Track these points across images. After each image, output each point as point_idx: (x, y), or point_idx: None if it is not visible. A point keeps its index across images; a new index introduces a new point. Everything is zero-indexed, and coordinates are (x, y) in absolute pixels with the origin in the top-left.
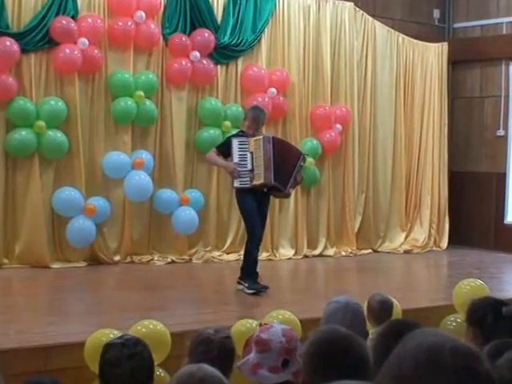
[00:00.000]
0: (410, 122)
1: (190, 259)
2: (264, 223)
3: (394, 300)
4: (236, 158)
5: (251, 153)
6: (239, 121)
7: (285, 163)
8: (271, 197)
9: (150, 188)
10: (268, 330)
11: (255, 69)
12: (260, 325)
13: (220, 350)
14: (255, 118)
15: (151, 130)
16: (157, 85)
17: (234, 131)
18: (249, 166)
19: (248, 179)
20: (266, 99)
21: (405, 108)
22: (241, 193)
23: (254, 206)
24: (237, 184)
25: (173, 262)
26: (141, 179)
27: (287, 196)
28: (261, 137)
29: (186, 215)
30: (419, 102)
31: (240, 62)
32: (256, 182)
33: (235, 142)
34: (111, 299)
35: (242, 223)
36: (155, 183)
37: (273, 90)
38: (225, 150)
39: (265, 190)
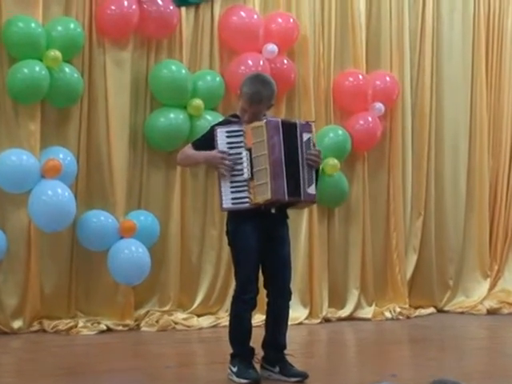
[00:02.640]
0: (497, 102)
1: (138, 326)
2: (287, 270)
3: None
4: None
5: (249, 150)
6: (217, 98)
7: (290, 156)
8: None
9: (71, 209)
10: None
11: (243, 13)
12: None
13: None
14: (254, 97)
15: (73, 114)
16: (82, 40)
17: (210, 116)
18: (245, 174)
19: (246, 195)
20: (261, 63)
21: (488, 79)
22: (235, 219)
23: (254, 245)
24: (228, 204)
25: (109, 330)
26: (56, 194)
27: (312, 203)
28: (263, 122)
29: (131, 254)
30: (511, 66)
31: (218, 1)
32: (259, 200)
33: (221, 134)
34: None
35: (223, 266)
36: (80, 201)
37: (272, 47)
38: (206, 146)
39: (272, 210)
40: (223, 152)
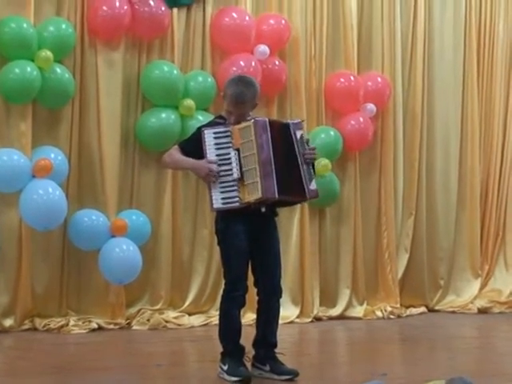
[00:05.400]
0: (488, 103)
1: (129, 324)
2: (277, 267)
3: None
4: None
5: (237, 150)
6: (208, 99)
7: (286, 156)
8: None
9: (62, 208)
10: None
11: (234, 14)
12: None
13: None
14: (238, 98)
15: (65, 114)
16: (74, 41)
17: (201, 116)
18: (235, 174)
19: (236, 194)
20: (253, 63)
21: (479, 80)
22: (224, 218)
23: (244, 244)
24: (218, 204)
25: (100, 328)
26: (47, 194)
27: (316, 197)
28: (250, 122)
29: (122, 253)
30: (502, 67)
31: (210, 3)
32: (250, 199)
33: (209, 135)
34: None
35: (214, 265)
36: (71, 200)
37: (263, 48)
38: (193, 147)
39: (262, 209)
40: (211, 170)
